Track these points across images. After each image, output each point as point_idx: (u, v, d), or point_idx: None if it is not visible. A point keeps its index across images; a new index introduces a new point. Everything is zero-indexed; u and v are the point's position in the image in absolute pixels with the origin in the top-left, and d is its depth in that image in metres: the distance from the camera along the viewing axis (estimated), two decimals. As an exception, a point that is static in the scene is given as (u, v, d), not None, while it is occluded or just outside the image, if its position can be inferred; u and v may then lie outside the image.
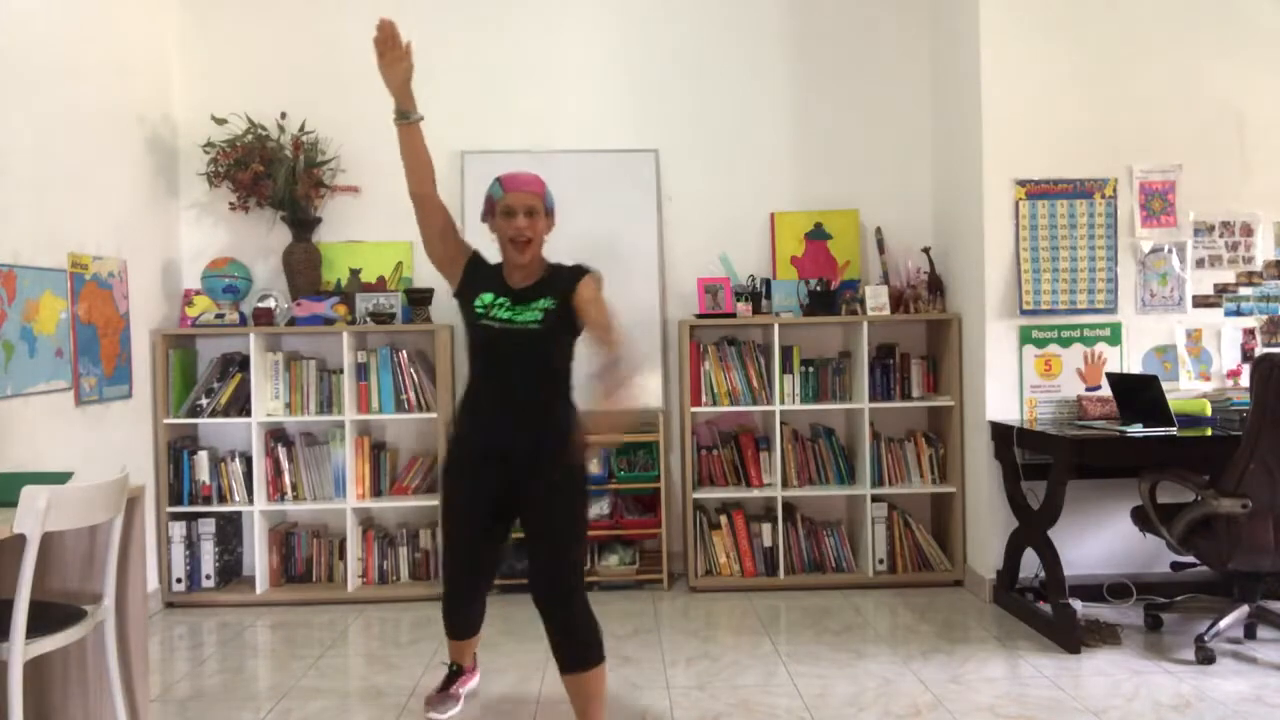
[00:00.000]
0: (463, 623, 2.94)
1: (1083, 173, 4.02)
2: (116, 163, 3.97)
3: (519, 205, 2.68)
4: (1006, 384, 4.03)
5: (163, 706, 3.11)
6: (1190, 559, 3.43)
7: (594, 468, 2.32)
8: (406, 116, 2.71)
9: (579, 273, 2.75)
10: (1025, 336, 4.02)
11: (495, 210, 2.73)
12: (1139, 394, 3.63)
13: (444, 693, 3.04)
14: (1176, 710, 2.92)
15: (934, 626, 3.77)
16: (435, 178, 2.78)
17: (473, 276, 2.77)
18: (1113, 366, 4.03)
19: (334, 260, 4.50)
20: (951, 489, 4.34)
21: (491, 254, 2.82)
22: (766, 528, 4.36)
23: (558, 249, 4.29)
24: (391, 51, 2.63)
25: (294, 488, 4.33)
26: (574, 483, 2.68)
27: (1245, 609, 3.39)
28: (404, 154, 2.75)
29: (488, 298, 2.71)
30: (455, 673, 3.08)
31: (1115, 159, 4.03)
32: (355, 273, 4.51)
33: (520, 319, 2.67)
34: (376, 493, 4.37)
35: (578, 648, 2.61)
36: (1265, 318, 4.08)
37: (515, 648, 3.61)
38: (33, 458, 3.32)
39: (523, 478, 2.67)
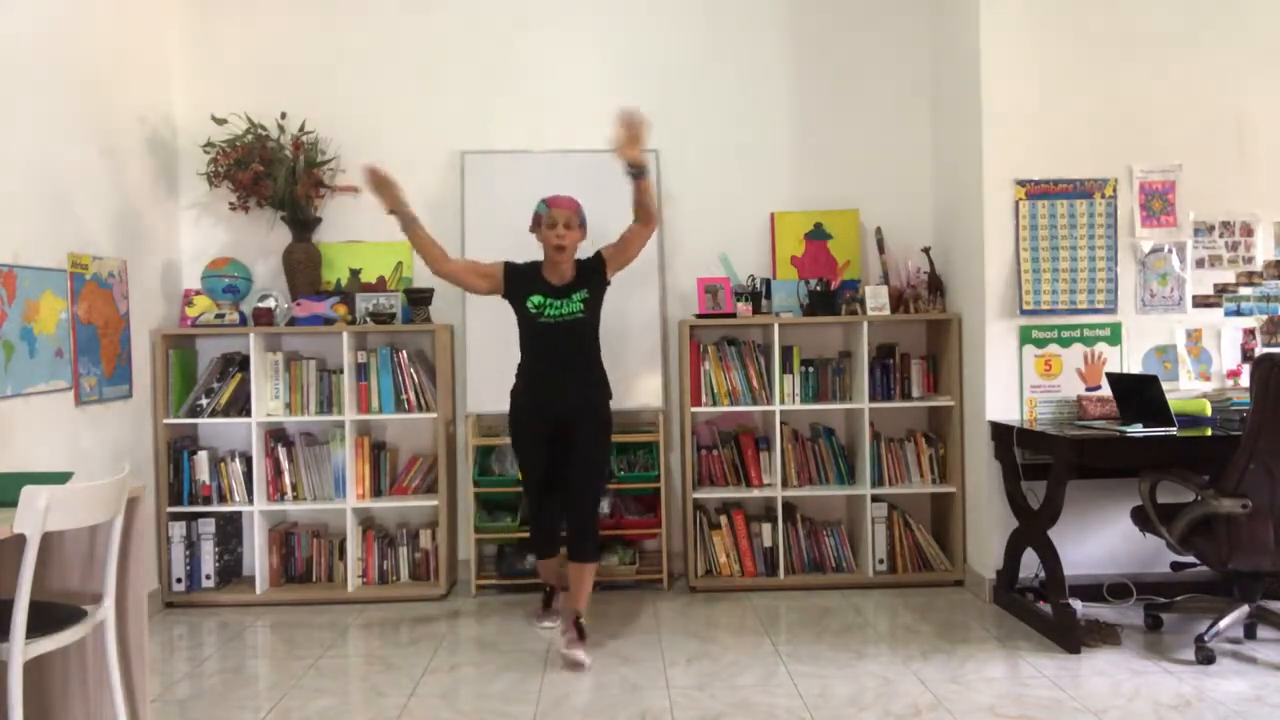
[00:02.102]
0: (548, 538, 3.72)
1: (1083, 173, 4.02)
2: (116, 163, 3.97)
3: (559, 218, 3.49)
4: (1006, 384, 4.03)
5: (163, 706, 3.11)
6: (1190, 559, 3.43)
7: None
8: (407, 225, 3.49)
9: (598, 260, 3.59)
10: (1025, 336, 4.02)
11: (541, 223, 3.54)
12: (1139, 394, 3.63)
13: (546, 610, 3.89)
14: (1176, 710, 2.92)
15: (934, 626, 3.77)
16: (444, 251, 3.57)
17: (517, 283, 3.56)
18: (1113, 366, 4.03)
19: (334, 260, 4.50)
20: (951, 489, 4.34)
21: (517, 257, 3.68)
22: (766, 528, 4.36)
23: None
24: (380, 184, 3.44)
25: (294, 488, 4.34)
26: (607, 427, 3.61)
27: (1245, 609, 3.39)
28: (417, 248, 3.54)
29: (537, 299, 3.52)
30: (550, 592, 3.90)
31: (1115, 159, 4.03)
32: (355, 273, 4.51)
33: (568, 311, 3.52)
34: (376, 493, 4.37)
35: (588, 545, 3.54)
36: (1265, 318, 4.08)
37: (515, 647, 3.61)
38: (33, 458, 3.32)
39: (571, 419, 3.56)
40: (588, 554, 3.54)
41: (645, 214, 3.51)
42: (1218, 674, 3.20)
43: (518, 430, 3.65)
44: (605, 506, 4.33)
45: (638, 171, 3.39)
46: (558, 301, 3.52)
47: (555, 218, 3.49)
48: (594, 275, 3.59)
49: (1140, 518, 3.52)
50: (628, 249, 3.60)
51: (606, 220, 4.45)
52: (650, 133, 3.47)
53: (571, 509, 3.57)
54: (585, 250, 3.65)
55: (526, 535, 4.06)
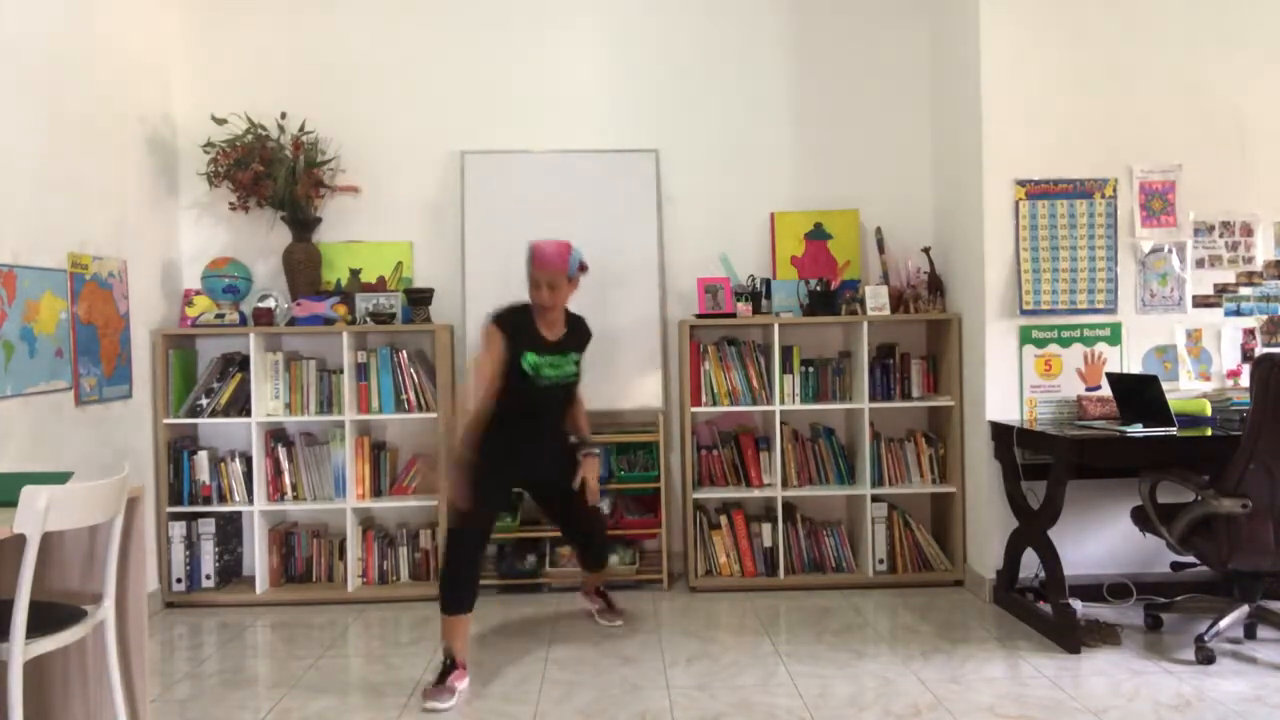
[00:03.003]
0: (469, 594, 3.25)
1: (1083, 173, 4.02)
2: (116, 163, 3.97)
3: (544, 280, 3.31)
4: (1006, 384, 4.03)
5: (163, 706, 3.11)
6: (1190, 559, 3.43)
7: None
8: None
9: (588, 336, 3.58)
10: (1025, 336, 4.02)
11: (528, 274, 3.36)
12: (1139, 394, 3.63)
13: (440, 685, 3.13)
14: (1176, 710, 2.92)
15: (934, 626, 3.77)
16: (481, 394, 3.27)
17: (514, 339, 3.34)
18: (1113, 366, 4.03)
19: (334, 260, 4.50)
20: (951, 489, 4.34)
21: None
22: (766, 528, 4.36)
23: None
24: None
25: (294, 488, 4.33)
26: (574, 465, 3.55)
27: (1245, 609, 3.39)
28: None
29: (532, 358, 3.33)
30: (450, 666, 3.21)
31: (1115, 159, 4.03)
32: (355, 273, 4.51)
33: (564, 374, 3.42)
34: (376, 493, 4.37)
35: (603, 558, 3.81)
36: (1265, 318, 4.08)
37: (515, 647, 3.61)
38: (33, 458, 3.32)
39: (539, 473, 3.53)
40: (604, 563, 3.87)
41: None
42: (1218, 674, 3.20)
43: (487, 481, 3.26)
44: (605, 506, 4.33)
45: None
46: (554, 359, 3.38)
47: (539, 280, 3.32)
48: (585, 339, 3.56)
49: (1140, 518, 3.52)
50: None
51: (607, 221, 4.47)
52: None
53: (584, 541, 3.74)
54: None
55: (451, 576, 3.22)
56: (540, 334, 3.37)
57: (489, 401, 3.27)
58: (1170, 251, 4.05)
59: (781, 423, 4.35)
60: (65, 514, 2.26)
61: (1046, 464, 3.67)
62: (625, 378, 4.37)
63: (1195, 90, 4.03)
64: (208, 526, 4.24)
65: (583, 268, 3.41)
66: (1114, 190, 4.02)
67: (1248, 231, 4.07)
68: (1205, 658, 3.28)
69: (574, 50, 4.58)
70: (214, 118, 4.40)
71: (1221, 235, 4.06)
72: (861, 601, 4.11)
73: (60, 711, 2.73)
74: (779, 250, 4.53)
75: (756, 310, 4.37)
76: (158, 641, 3.77)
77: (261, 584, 4.25)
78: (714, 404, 4.35)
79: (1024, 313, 4.01)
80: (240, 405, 4.25)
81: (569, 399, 3.53)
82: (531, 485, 3.63)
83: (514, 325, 3.34)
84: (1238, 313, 4.07)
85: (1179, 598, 3.75)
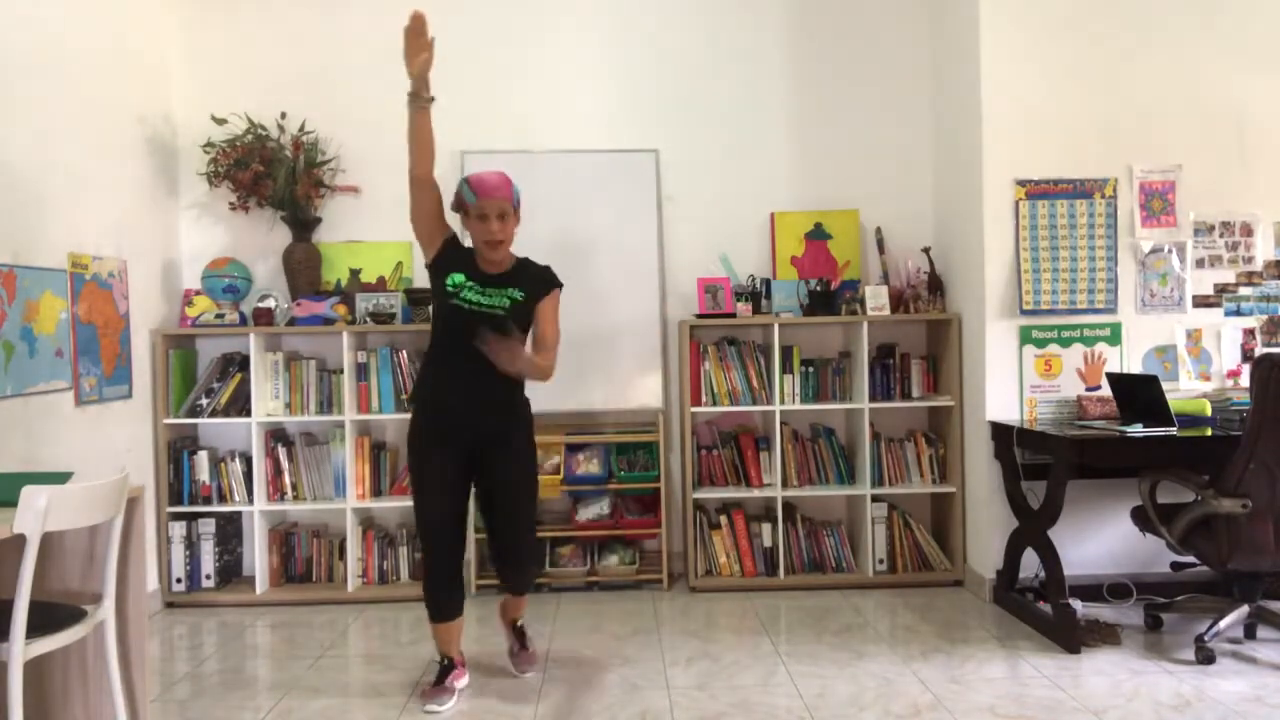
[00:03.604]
0: (448, 600, 3.07)
1: (1083, 173, 4.02)
2: (116, 163, 3.97)
3: (491, 210, 2.92)
4: (1006, 384, 4.03)
5: (163, 706, 3.11)
6: (1190, 559, 3.43)
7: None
8: (419, 99, 2.89)
9: (550, 281, 3.08)
10: (1025, 336, 4.02)
11: (469, 211, 2.96)
12: (1139, 394, 3.63)
13: (439, 686, 3.10)
14: (1176, 710, 2.92)
15: (934, 626, 3.77)
16: (434, 161, 2.97)
17: (449, 255, 3.00)
18: (1113, 366, 4.03)
19: (334, 260, 4.50)
20: (951, 489, 4.33)
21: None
22: (766, 528, 4.36)
23: (561, 247, 4.31)
24: (418, 41, 2.83)
25: (294, 488, 4.33)
26: (527, 452, 3.12)
27: (1245, 609, 3.39)
28: (411, 135, 2.91)
29: (459, 278, 2.96)
30: (447, 667, 3.15)
31: (1115, 159, 4.03)
32: (355, 273, 4.51)
33: (488, 303, 2.96)
34: (376, 493, 4.37)
35: (523, 581, 3.22)
36: (1265, 318, 4.08)
37: (515, 648, 3.62)
38: (33, 458, 3.32)
39: (484, 446, 3.03)
40: (525, 587, 3.24)
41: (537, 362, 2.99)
42: (1218, 674, 3.20)
43: (417, 455, 3.02)
44: (605, 506, 4.32)
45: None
46: (481, 289, 2.96)
47: (485, 210, 2.91)
48: (538, 284, 3.05)
49: (1140, 518, 3.52)
50: (539, 328, 3.06)
51: (607, 221, 4.47)
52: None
53: (500, 551, 3.12)
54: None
55: (424, 580, 3.08)
56: (478, 266, 3.00)
57: (425, 173, 2.93)
58: (1170, 251, 4.05)
59: (781, 423, 4.35)
60: (65, 514, 2.26)
61: (1046, 464, 3.67)
62: (625, 378, 4.37)
63: (1195, 90, 4.03)
64: (208, 526, 4.24)
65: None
66: (1114, 190, 4.02)
67: (1248, 231, 4.07)
68: (1205, 658, 3.28)
69: (574, 50, 4.58)
70: (214, 118, 4.39)
71: (1221, 235, 4.06)
72: (861, 601, 4.11)
73: (60, 711, 2.72)
74: (779, 250, 4.53)
75: (756, 310, 4.37)
76: (158, 641, 3.77)
77: (261, 584, 4.25)
78: (714, 404, 4.35)
79: (1024, 313, 4.00)
80: (240, 405, 4.25)
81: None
82: (470, 459, 3.05)
83: (456, 246, 3.03)
84: (1238, 313, 4.07)
85: (1179, 598, 3.75)
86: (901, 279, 4.43)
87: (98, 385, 3.74)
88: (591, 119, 4.57)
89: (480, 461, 3.05)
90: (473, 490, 3.15)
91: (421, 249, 3.05)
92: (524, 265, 3.08)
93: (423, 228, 2.99)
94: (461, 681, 3.18)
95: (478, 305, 2.95)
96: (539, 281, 3.06)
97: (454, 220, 3.10)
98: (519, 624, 3.40)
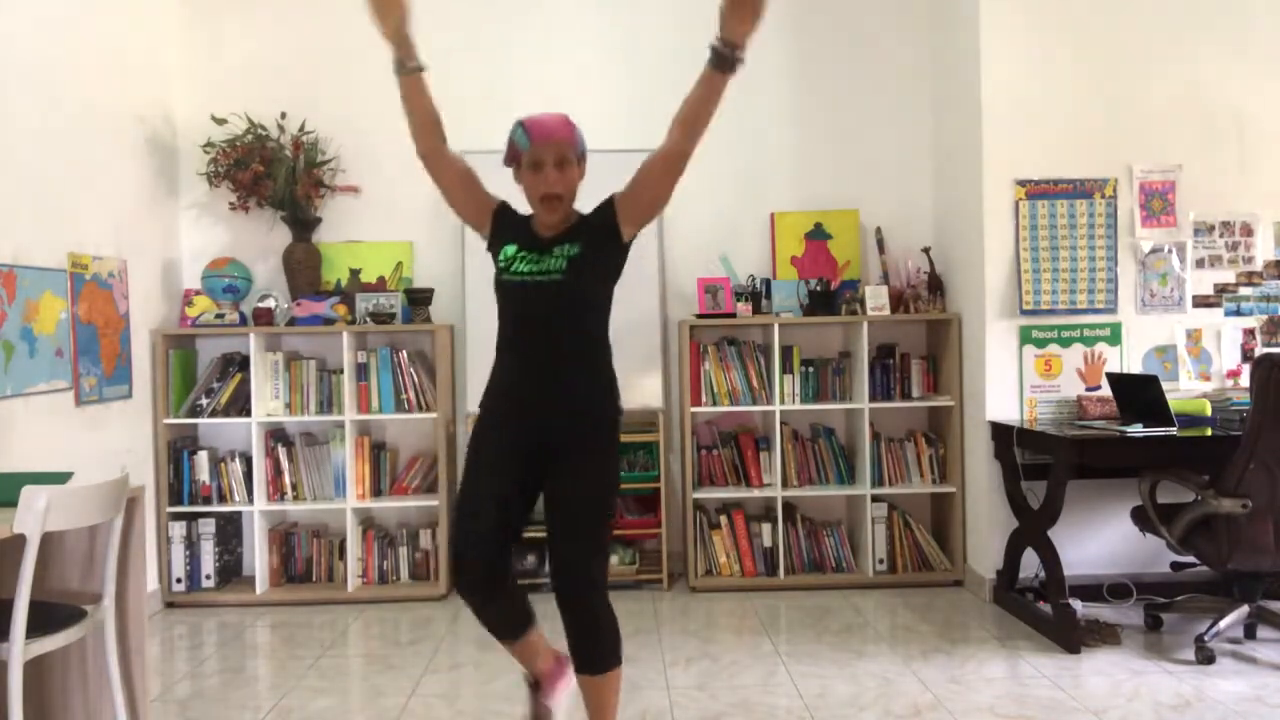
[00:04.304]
0: (496, 614, 2.42)
1: (1083, 173, 4.02)
2: (116, 163, 3.97)
3: (549, 156, 2.35)
4: (1006, 384, 4.03)
5: (163, 706, 3.11)
6: (1190, 559, 3.43)
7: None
8: (403, 66, 2.42)
9: (606, 209, 2.44)
10: (1025, 336, 4.02)
11: (521, 161, 2.39)
12: (1139, 394, 3.63)
13: (535, 715, 2.59)
14: (1176, 710, 2.92)
15: (934, 626, 3.77)
16: (444, 131, 2.47)
17: (502, 226, 2.49)
18: (1113, 366, 4.03)
19: (334, 260, 4.50)
20: (951, 489, 4.33)
21: (520, 203, 2.53)
22: (766, 528, 4.36)
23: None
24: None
25: (294, 488, 4.33)
26: (601, 461, 2.38)
27: (1245, 609, 3.39)
28: (406, 110, 2.43)
29: (510, 250, 2.42)
30: (534, 685, 2.59)
31: (1115, 159, 4.03)
32: (355, 273, 4.51)
33: (542, 270, 2.36)
34: (376, 493, 4.37)
35: (594, 647, 2.34)
36: (1265, 318, 4.08)
37: (515, 648, 3.61)
38: (33, 458, 3.32)
39: (551, 449, 2.38)
40: (601, 659, 2.35)
41: (692, 122, 2.49)
42: (1218, 674, 3.20)
43: (474, 446, 2.44)
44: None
45: (729, 59, 2.41)
46: (533, 256, 2.39)
47: (541, 156, 2.35)
48: (597, 229, 2.41)
49: (1140, 518, 3.52)
50: (650, 181, 2.43)
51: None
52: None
53: (564, 590, 2.32)
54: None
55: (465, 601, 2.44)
56: (533, 231, 2.45)
57: (434, 145, 2.47)
58: (1170, 251, 4.05)
59: (781, 423, 4.35)
60: (65, 514, 2.26)
61: (1046, 464, 3.67)
62: (625, 378, 4.33)
63: (1195, 90, 4.03)
64: (208, 526, 4.24)
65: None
66: (1114, 190, 4.02)
67: (1248, 231, 4.07)
68: (1205, 658, 3.28)
69: (574, 50, 4.58)
70: (214, 118, 4.40)
71: (1221, 235, 4.06)
72: (861, 601, 4.11)
73: (60, 711, 2.72)
74: (779, 250, 4.53)
75: (756, 310, 4.37)
76: (158, 641, 3.77)
77: (261, 584, 4.25)
78: (714, 404, 4.35)
79: (1024, 313, 4.00)
80: (240, 405, 4.25)
81: (568, 317, 2.38)
82: (534, 459, 2.42)
83: (509, 211, 2.53)
84: (1238, 313, 4.07)
85: (1179, 598, 3.75)
86: (901, 279, 4.43)
87: (98, 385, 3.74)
88: (591, 119, 4.56)
89: (546, 467, 2.40)
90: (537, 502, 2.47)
91: (477, 232, 2.56)
92: (584, 218, 2.47)
93: (460, 201, 2.50)
94: (560, 690, 2.57)
95: (529, 276, 2.36)
96: (592, 224, 2.43)
97: (500, 187, 2.61)
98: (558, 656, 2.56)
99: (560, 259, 2.37)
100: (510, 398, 2.43)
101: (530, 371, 2.39)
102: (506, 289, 2.41)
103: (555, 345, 2.37)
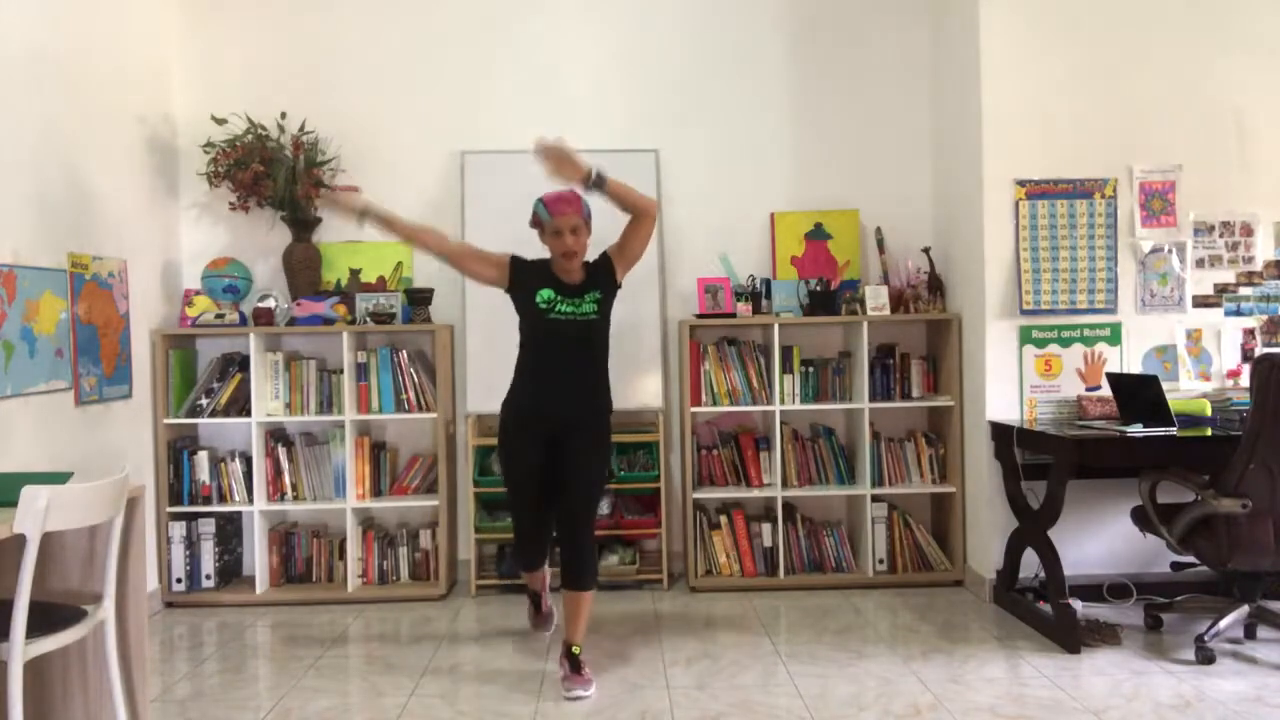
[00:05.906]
0: (538, 550, 3.52)
1: (1083, 173, 4.02)
2: (116, 163, 3.97)
3: (565, 226, 3.20)
4: (1006, 384, 4.03)
5: (163, 706, 3.11)
6: (1190, 559, 3.43)
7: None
8: (372, 219, 3.37)
9: (604, 257, 3.37)
10: (1025, 336, 4.02)
11: (544, 229, 3.26)
12: (1139, 394, 3.63)
13: (539, 615, 3.70)
14: (1176, 710, 2.92)
15: (934, 626, 3.77)
16: (441, 235, 3.44)
17: (523, 276, 3.31)
18: (1113, 366, 4.03)
19: (334, 260, 4.50)
20: (951, 489, 4.34)
21: (524, 252, 3.40)
22: (766, 528, 4.36)
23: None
24: (334, 203, 3.58)
25: (294, 488, 4.33)
26: (605, 446, 3.38)
27: (1245, 609, 3.39)
28: (407, 243, 3.55)
29: (548, 294, 3.26)
30: (538, 596, 3.68)
31: (1115, 159, 4.03)
32: (355, 273, 4.51)
33: (581, 311, 3.27)
34: (376, 493, 4.37)
35: (585, 574, 3.25)
36: (1265, 318, 4.08)
37: (515, 647, 3.61)
38: (33, 458, 3.32)
39: (568, 435, 3.30)
40: (585, 581, 3.24)
41: (633, 211, 3.28)
42: (1218, 674, 3.20)
43: (512, 440, 3.36)
44: (605, 506, 4.32)
45: (592, 184, 3.17)
46: (571, 299, 3.26)
47: (560, 226, 3.20)
48: (605, 277, 3.33)
49: (1140, 518, 3.52)
50: (628, 246, 3.34)
51: (607, 221, 4.46)
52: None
53: (566, 533, 3.28)
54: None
55: (513, 543, 3.77)
56: (558, 278, 3.29)
57: (444, 248, 3.36)
58: (1170, 251, 4.05)
59: (781, 423, 4.35)
60: (65, 514, 2.26)
61: (1046, 464, 3.67)
62: (625, 378, 4.36)
63: (1195, 90, 4.03)
64: (208, 526, 4.24)
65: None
66: (1114, 190, 4.02)
67: (1248, 231, 4.07)
68: (1205, 658, 3.28)
69: (574, 50, 4.58)
70: (214, 118, 4.39)
71: (1221, 235, 4.06)
72: (861, 601, 4.11)
73: (60, 711, 2.73)
74: (779, 250, 4.53)
75: (756, 310, 4.37)
76: (158, 641, 3.77)
77: (261, 584, 4.25)
78: (714, 404, 4.35)
79: (1024, 313, 4.01)
80: (240, 405, 4.26)
81: (592, 345, 3.32)
82: (554, 440, 3.32)
83: (527, 265, 3.33)
84: (1238, 313, 4.07)
85: (1179, 598, 3.75)
86: (901, 279, 4.43)
87: (98, 385, 3.74)
88: (592, 119, 4.57)
89: (560, 447, 3.31)
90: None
91: (493, 285, 3.36)
92: (590, 268, 3.35)
93: (485, 276, 3.33)
94: (551, 611, 3.72)
95: (570, 315, 3.26)
96: (601, 272, 3.34)
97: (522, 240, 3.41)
98: (575, 652, 3.23)
99: (591, 302, 3.29)
100: (543, 404, 3.31)
101: (565, 383, 3.29)
102: (552, 325, 3.26)
103: (584, 363, 3.32)
